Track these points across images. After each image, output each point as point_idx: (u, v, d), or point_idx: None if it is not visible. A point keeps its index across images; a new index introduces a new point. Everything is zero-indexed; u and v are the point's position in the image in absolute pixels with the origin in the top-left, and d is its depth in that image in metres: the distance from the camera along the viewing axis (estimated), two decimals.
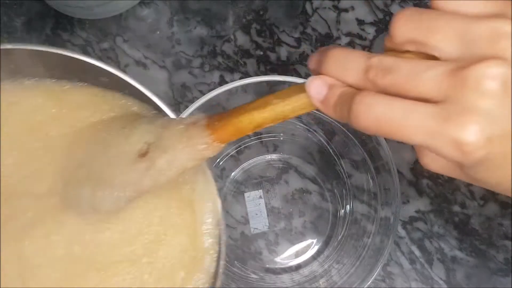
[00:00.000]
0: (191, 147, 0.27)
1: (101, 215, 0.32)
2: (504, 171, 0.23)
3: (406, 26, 0.23)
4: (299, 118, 0.50)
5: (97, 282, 0.32)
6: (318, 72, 0.25)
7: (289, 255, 0.50)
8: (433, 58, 0.23)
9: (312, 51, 0.54)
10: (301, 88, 0.25)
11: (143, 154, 0.29)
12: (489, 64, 0.21)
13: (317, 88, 0.24)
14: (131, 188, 0.30)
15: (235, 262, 0.49)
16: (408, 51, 0.23)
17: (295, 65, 0.53)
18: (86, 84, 0.35)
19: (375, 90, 0.23)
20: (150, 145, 0.29)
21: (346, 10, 0.53)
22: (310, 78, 0.24)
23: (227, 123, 0.26)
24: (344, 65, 0.24)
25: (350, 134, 0.48)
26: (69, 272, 0.32)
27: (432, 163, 0.25)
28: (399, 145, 0.52)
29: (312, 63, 0.26)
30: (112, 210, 0.31)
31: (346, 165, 0.50)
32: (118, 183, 0.30)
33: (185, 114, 0.42)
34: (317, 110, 0.25)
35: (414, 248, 0.49)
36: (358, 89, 0.23)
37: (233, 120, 0.26)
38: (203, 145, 0.27)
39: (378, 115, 0.22)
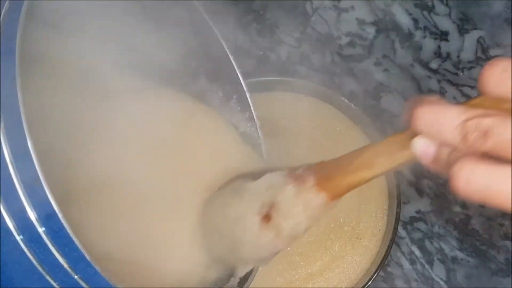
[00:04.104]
0: (310, 210, 0.29)
1: None
2: None
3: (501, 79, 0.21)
4: None
5: None
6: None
7: None
8: None
9: (312, 51, 0.54)
10: (403, 145, 0.24)
11: (267, 219, 0.30)
12: None
13: (423, 148, 0.23)
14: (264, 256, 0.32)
15: None
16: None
17: (295, 65, 0.53)
18: None
19: (474, 153, 0.21)
20: (271, 208, 0.30)
21: (346, 10, 0.53)
22: (415, 139, 0.24)
23: (338, 184, 0.28)
24: (438, 125, 0.22)
25: None
26: None
27: None
28: None
29: (407, 114, 0.24)
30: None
31: None
32: (251, 258, 0.32)
33: None
34: None
35: (414, 249, 0.49)
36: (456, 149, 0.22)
37: (343, 181, 0.28)
38: (321, 206, 0.29)
39: (480, 188, 0.20)
